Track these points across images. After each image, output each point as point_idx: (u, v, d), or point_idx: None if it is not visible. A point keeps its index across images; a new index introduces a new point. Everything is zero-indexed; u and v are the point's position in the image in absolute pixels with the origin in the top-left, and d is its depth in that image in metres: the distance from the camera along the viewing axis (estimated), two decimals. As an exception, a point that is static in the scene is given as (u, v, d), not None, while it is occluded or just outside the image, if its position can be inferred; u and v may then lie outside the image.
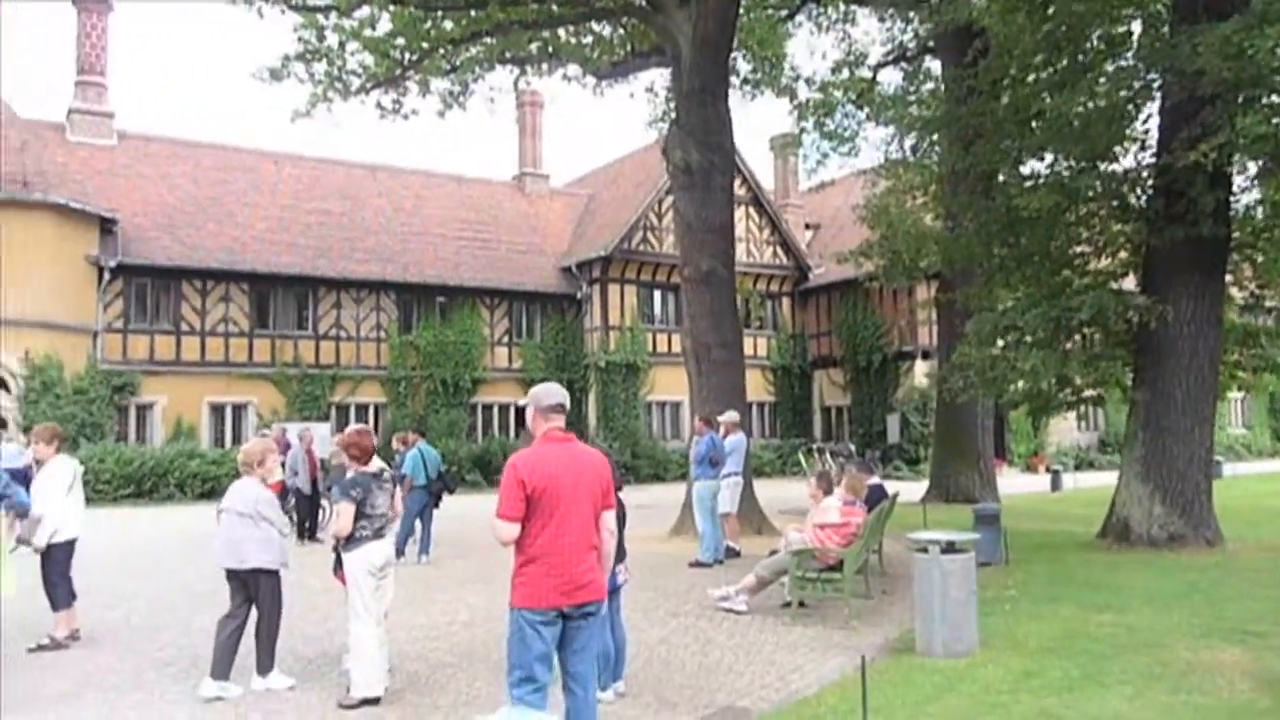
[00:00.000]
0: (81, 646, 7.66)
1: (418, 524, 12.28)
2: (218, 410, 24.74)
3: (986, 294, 13.97)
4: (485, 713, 5.80)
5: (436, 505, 12.58)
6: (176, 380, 24.07)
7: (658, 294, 30.19)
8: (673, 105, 19.91)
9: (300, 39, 17.26)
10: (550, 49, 19.01)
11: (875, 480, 10.39)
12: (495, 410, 28.64)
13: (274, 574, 6.40)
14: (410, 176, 30.91)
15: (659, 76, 20.65)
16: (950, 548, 7.05)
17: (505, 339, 28.90)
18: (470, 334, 27.76)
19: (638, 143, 33.48)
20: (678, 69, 15.33)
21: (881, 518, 9.74)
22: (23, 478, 9.13)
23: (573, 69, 19.86)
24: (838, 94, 21.29)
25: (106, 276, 23.08)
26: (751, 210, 31.12)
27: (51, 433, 7.95)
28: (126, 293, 23.73)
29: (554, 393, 4.64)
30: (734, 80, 18.32)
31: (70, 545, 7.77)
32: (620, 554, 6.22)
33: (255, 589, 6.34)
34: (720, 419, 12.61)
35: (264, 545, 6.33)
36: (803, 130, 21.41)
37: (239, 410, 24.99)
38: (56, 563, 7.64)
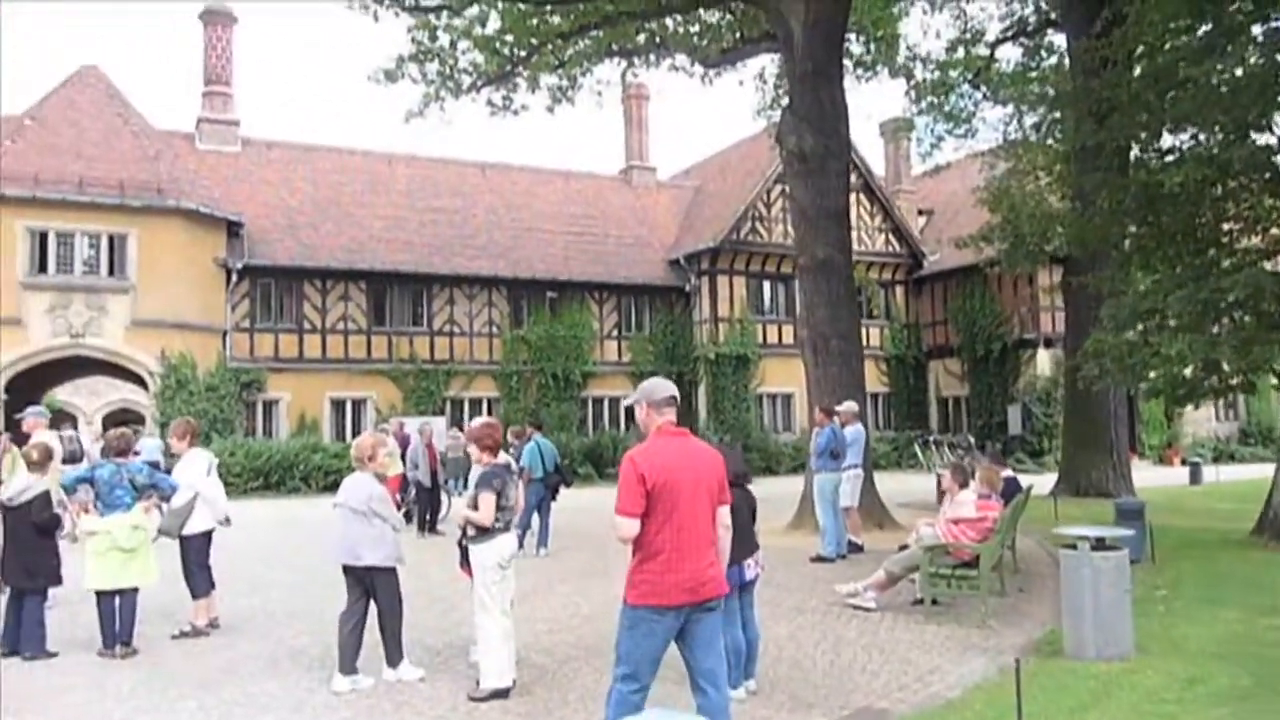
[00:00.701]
0: (220, 634, 7.88)
1: (535, 517, 12.30)
2: (338, 405, 25.49)
3: (1122, 276, 13.21)
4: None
5: (554, 498, 12.59)
6: (299, 377, 24.89)
7: (767, 285, 29.77)
8: (783, 92, 19.59)
9: (413, 40, 17.58)
10: (658, 39, 18.88)
11: (1008, 473, 9.92)
12: (605, 404, 28.73)
13: (390, 571, 6.39)
14: (519, 173, 31.25)
15: (769, 63, 20.29)
16: (1100, 544, 6.62)
17: (614, 333, 28.94)
18: (580, 328, 27.90)
19: (744, 133, 33.05)
20: (790, 53, 14.98)
21: (1016, 512, 9.28)
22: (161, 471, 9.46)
23: (680, 59, 19.70)
24: (954, 73, 20.56)
25: (234, 278, 24.01)
26: (863, 197, 30.39)
27: (185, 428, 8.23)
28: (252, 293, 24.66)
29: (664, 387, 4.51)
30: (847, 63, 17.82)
31: (207, 535, 8.00)
32: (753, 547, 6.04)
33: (372, 585, 6.33)
34: (839, 409, 12.27)
35: (378, 542, 6.31)
36: (919, 111, 20.73)
37: (358, 405, 25.69)
38: (194, 552, 7.88)
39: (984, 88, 20.95)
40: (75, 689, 6.39)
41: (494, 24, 17.66)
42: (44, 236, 21.57)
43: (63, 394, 35.19)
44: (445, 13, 17.20)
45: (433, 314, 26.75)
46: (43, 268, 21.56)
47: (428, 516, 14.67)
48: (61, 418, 38.05)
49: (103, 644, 7.28)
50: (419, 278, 26.35)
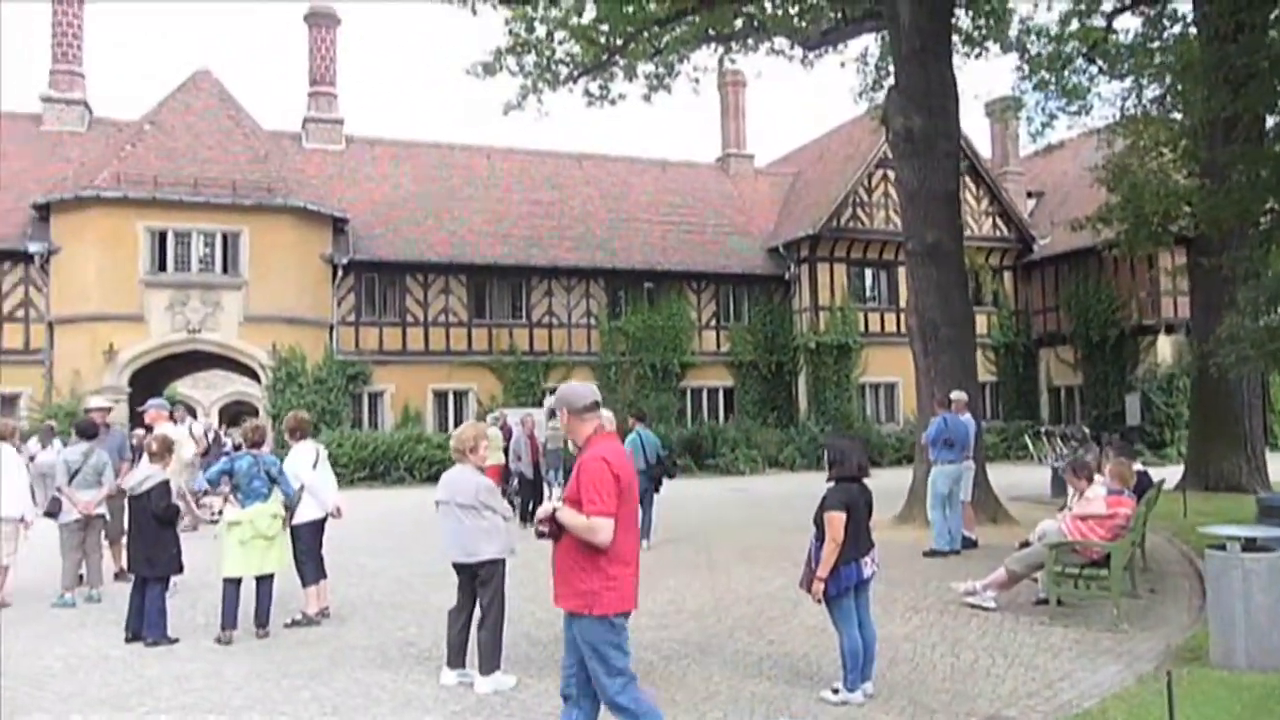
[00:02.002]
0: (331, 623, 7.97)
1: (638, 509, 12.16)
2: (441, 397, 25.89)
3: (1260, 256, 12.33)
4: (725, 711, 5.51)
5: (657, 490, 12.43)
6: (403, 369, 25.36)
7: (869, 272, 29.07)
8: (885, 73, 18.97)
9: (510, 32, 17.58)
10: (756, 23, 18.46)
11: (1138, 466, 9.35)
12: (704, 394, 28.50)
13: (499, 563, 6.27)
14: (616, 164, 31.22)
15: (872, 42, 19.67)
16: (1251, 545, 6.12)
17: (713, 322, 28.67)
18: (678, 318, 27.72)
19: (842, 119, 32.35)
20: (895, 31, 14.46)
21: (1149, 508, 8.73)
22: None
23: (779, 42, 19.24)
24: (1068, 46, 19.57)
25: (339, 273, 24.60)
26: (969, 179, 29.36)
27: (294, 422, 8.37)
28: (357, 288, 25.21)
29: (586, 392, 4.40)
30: (955, 39, 17.15)
31: (316, 525, 8.11)
32: (868, 545, 5.77)
33: (480, 581, 6.21)
34: (951, 397, 11.81)
35: (491, 535, 6.20)
36: (1031, 88, 19.84)
37: (460, 396, 26.05)
38: (304, 541, 7.99)
39: (1100, 61, 19.89)
40: (194, 675, 6.51)
41: (590, 13, 17.53)
42: (163, 236, 22.44)
43: (183, 387, 36.72)
44: (542, 3, 17.16)
45: (531, 306, 26.93)
46: (162, 266, 22.44)
47: (530, 507, 14.69)
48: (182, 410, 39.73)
49: (220, 626, 7.43)
50: (518, 270, 26.57)
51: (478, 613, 6.19)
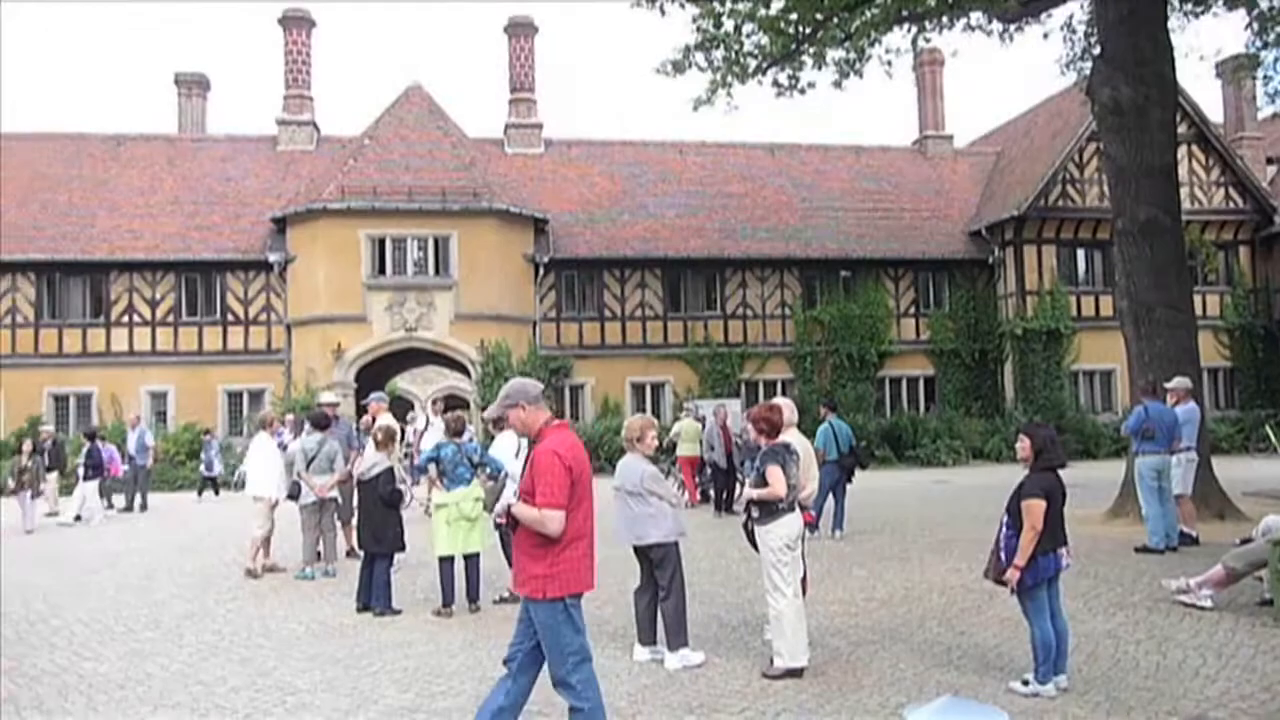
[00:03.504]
0: (534, 601, 8.50)
1: (830, 498, 12.16)
2: (638, 389, 26.59)
3: None
4: (910, 696, 5.53)
5: (849, 480, 12.38)
6: (602, 362, 26.25)
7: (1081, 253, 27.46)
8: (1092, 39, 17.89)
9: (698, 28, 17.82)
10: (950, -1, 17.86)
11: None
12: (904, 384, 27.84)
13: (671, 546, 6.54)
14: (808, 152, 30.93)
15: (1078, 9, 18.59)
16: None
17: (912, 310, 27.95)
18: (875, 306, 27.21)
19: (1048, 93, 30.57)
20: (1102, -5, 13.64)
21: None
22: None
23: (976, 17, 18.51)
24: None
25: (541, 271, 25.75)
26: (1195, 149, 27.22)
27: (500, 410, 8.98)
28: (558, 285, 26.30)
29: (532, 384, 4.64)
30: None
31: (521, 509, 8.66)
32: (1062, 538, 5.63)
33: (655, 563, 6.52)
34: (1168, 386, 11.10)
35: (657, 520, 6.47)
36: (1264, 45, 18.16)
37: (657, 389, 26.66)
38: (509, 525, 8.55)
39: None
40: (415, 643, 7.17)
41: (778, 3, 17.53)
42: (381, 242, 24.25)
43: (402, 382, 39.41)
44: (728, -1, 17.29)
45: (725, 297, 27.18)
46: (381, 270, 24.26)
47: (724, 496, 14.95)
48: (403, 404, 42.67)
49: (441, 602, 8.13)
50: (712, 262, 26.88)
51: (661, 592, 6.49)
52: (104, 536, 14.14)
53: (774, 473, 6.02)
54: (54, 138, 27.84)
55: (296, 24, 28.36)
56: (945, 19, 18.64)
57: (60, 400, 24.63)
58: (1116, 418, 25.48)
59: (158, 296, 25.04)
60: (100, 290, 24.98)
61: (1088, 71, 16.90)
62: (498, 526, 4.10)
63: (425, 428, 15.06)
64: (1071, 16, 19.04)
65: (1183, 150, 23.71)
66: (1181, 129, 23.38)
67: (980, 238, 27.91)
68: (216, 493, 20.38)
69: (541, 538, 4.29)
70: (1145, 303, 12.94)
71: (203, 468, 20.73)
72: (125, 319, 24.91)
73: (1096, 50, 15.14)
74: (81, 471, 16.12)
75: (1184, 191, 22.87)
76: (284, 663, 6.72)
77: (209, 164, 27.51)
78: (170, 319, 25.05)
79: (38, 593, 9.54)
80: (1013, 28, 18.39)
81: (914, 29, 19.33)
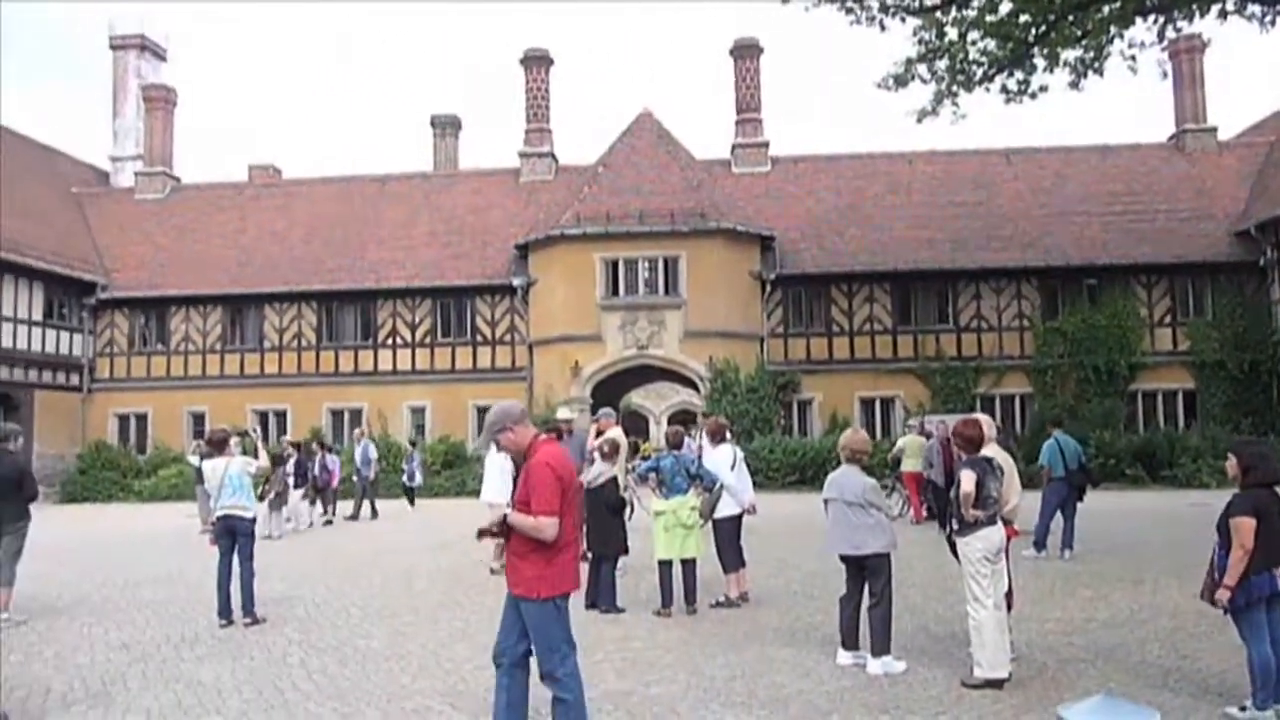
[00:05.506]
0: (749, 606, 8.94)
1: (1060, 517, 11.75)
2: (867, 404, 26.37)
3: None
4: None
5: (1080, 498, 11.91)
6: (829, 378, 26.24)
7: (1371, 251, 24.56)
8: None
9: (920, 40, 17.66)
10: (1202, -16, 16.69)
11: None
12: (1159, 398, 25.94)
13: (885, 557, 6.73)
14: (1047, 156, 29.44)
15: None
16: None
17: (1167, 319, 26.02)
18: (1124, 316, 25.56)
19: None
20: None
21: None
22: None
23: (1231, 1, 17.18)
24: None
25: (768, 288, 26.17)
26: None
27: (714, 426, 9.59)
28: (784, 301, 26.60)
29: (514, 404, 5.00)
30: None
31: (735, 519, 9.12)
32: (1278, 557, 5.40)
33: (869, 572, 6.71)
34: None
35: (876, 531, 6.68)
36: None
37: (886, 404, 26.32)
38: (724, 533, 9.04)
39: None
40: (636, 638, 7.77)
41: (1005, 6, 17.06)
42: (615, 264, 25.53)
43: (636, 397, 40.97)
44: (953, 7, 17.03)
45: (959, 310, 26.47)
46: (614, 290, 25.53)
47: (940, 512, 14.68)
48: (637, 418, 44.27)
49: (660, 604, 8.72)
50: (943, 274, 26.30)
51: (866, 599, 6.71)
52: (365, 538, 15.88)
53: (965, 475, 6.16)
54: (330, 181, 31.45)
55: (536, 63, 30.40)
56: (1194, 7, 17.46)
57: (336, 414, 27.70)
58: None
59: (417, 320, 27.64)
60: (369, 315, 27.91)
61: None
62: (486, 534, 4.56)
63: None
64: (1347, -9, 17.30)
65: None
66: None
67: (1249, 238, 25.56)
68: (412, 503, 21.17)
69: (535, 543, 4.61)
70: None
71: (404, 478, 21.65)
72: (390, 341, 27.68)
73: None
74: (291, 480, 16.96)
75: None
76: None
77: (460, 197, 30.02)
78: (427, 340, 27.59)
79: (319, 582, 11.02)
80: (1275, 11, 16.94)
81: (1160, 19, 18.22)
